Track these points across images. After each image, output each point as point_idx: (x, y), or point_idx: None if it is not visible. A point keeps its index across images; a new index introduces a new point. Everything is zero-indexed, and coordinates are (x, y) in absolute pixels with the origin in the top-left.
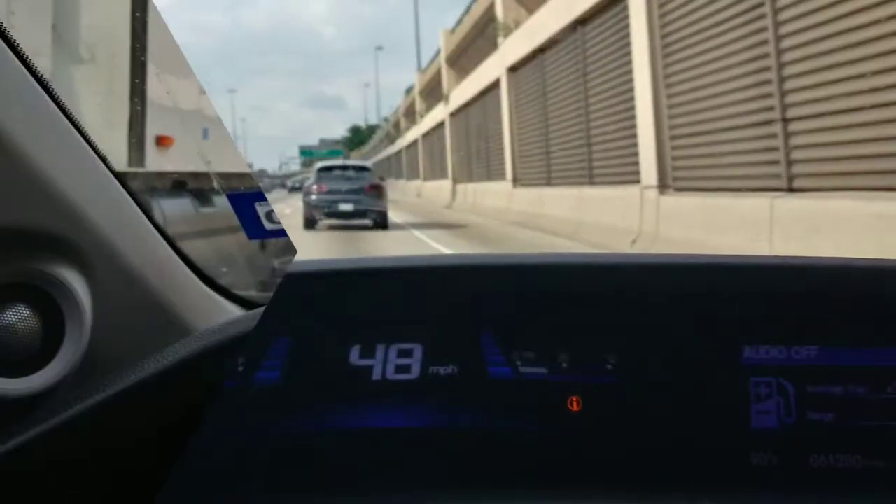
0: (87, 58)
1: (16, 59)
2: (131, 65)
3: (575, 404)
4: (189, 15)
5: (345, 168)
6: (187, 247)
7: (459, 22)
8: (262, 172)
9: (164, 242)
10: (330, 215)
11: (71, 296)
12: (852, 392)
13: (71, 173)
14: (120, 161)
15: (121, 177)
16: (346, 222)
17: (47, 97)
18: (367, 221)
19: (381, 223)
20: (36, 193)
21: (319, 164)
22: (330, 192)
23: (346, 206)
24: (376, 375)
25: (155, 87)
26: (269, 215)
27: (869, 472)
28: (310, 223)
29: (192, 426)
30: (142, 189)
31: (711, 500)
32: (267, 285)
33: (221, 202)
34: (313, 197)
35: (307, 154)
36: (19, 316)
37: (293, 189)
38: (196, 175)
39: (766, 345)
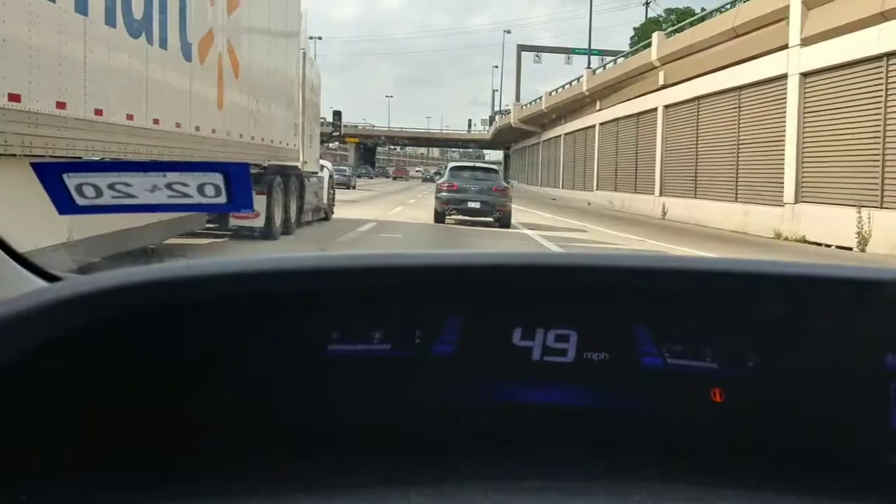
0: None
1: None
2: None
3: (718, 395)
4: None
5: (474, 169)
6: None
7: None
8: None
9: None
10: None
11: None
12: None
13: None
14: None
15: None
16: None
17: None
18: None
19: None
20: None
21: (452, 165)
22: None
23: (474, 205)
24: (535, 356)
25: None
26: (81, 189)
27: None
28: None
29: None
30: None
31: (850, 496)
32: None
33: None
34: (444, 194)
35: None
36: None
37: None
38: None
39: None
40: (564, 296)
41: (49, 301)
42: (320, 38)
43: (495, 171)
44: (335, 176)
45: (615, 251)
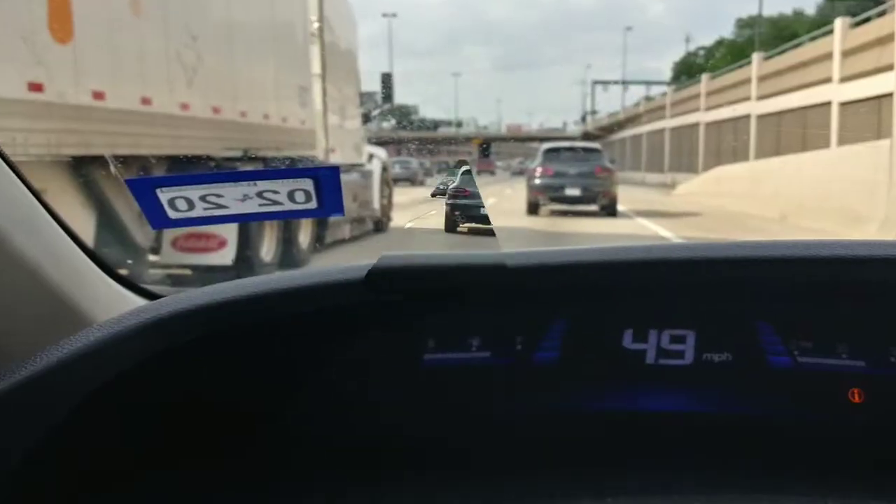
0: None
1: None
2: None
3: (857, 396)
4: None
5: (572, 150)
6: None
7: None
8: None
9: (63, 234)
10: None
11: None
12: None
13: None
14: None
15: (13, 165)
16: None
17: None
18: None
19: (612, 210)
20: None
21: (545, 146)
22: (556, 175)
23: (573, 191)
24: (649, 359)
25: None
26: (173, 203)
27: None
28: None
29: (92, 420)
30: None
31: None
32: (174, 276)
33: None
34: (537, 181)
35: None
36: None
37: None
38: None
39: None
40: (678, 292)
41: (150, 320)
42: (394, 16)
43: (597, 151)
44: (393, 169)
45: (731, 242)
